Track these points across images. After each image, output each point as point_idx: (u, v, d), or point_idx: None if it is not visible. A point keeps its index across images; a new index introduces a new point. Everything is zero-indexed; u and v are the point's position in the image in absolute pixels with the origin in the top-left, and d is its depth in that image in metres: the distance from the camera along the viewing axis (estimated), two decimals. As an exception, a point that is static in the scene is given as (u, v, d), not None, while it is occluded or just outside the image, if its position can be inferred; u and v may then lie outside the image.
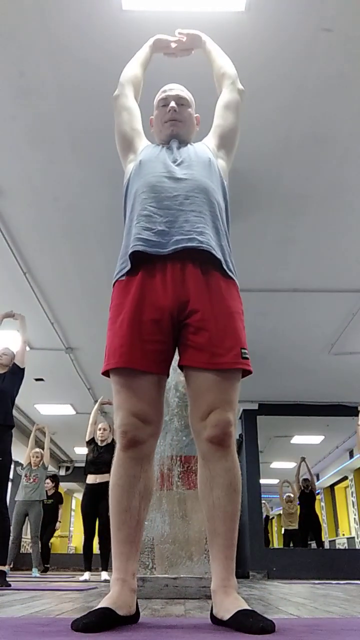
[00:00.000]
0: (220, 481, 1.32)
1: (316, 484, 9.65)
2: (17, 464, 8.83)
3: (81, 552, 5.41)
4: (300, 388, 7.36)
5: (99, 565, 5.21)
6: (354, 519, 11.45)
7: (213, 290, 1.40)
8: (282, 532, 9.28)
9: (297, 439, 9.95)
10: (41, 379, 7.05)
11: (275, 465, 11.73)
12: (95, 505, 5.06)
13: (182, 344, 1.40)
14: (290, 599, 2.49)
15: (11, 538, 5.47)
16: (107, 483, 1.38)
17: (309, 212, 3.93)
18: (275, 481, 9.83)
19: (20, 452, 6.90)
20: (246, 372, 1.40)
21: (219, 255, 1.43)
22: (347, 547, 11.34)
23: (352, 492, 11.70)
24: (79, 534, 12.45)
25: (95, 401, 7.70)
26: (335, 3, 2.46)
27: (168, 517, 3.14)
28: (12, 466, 10.13)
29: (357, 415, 5.84)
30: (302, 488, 8.68)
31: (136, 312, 1.37)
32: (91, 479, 5.24)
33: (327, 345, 6.02)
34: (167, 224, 1.44)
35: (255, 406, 7.91)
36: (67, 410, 8.32)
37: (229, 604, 1.22)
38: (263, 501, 8.71)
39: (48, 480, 7.51)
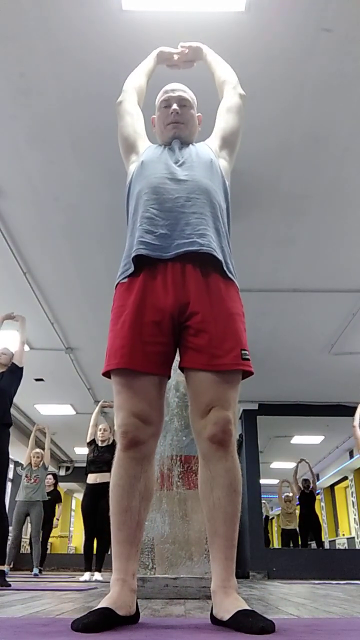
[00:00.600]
0: (220, 481, 1.32)
1: (317, 484, 9.65)
2: (18, 464, 8.84)
3: (81, 552, 5.40)
4: (300, 388, 7.37)
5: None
6: (354, 519, 11.46)
7: (213, 292, 1.40)
8: (280, 531, 9.28)
9: (297, 439, 9.95)
10: (41, 379, 7.05)
11: (275, 465, 11.74)
12: (95, 505, 5.06)
13: (182, 346, 1.41)
14: (290, 599, 2.49)
15: (11, 538, 5.47)
16: (107, 483, 1.38)
17: (309, 212, 3.93)
18: (275, 481, 9.83)
19: (21, 453, 6.90)
20: (247, 373, 1.40)
21: (219, 256, 1.43)
22: (347, 547, 11.34)
23: (352, 492, 11.71)
24: (79, 534, 12.46)
25: (96, 401, 7.71)
26: (336, 3, 2.46)
27: (168, 517, 3.14)
28: (13, 466, 10.15)
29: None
30: (302, 488, 8.69)
31: (137, 313, 1.38)
32: (92, 478, 5.24)
33: (327, 345, 6.02)
34: (168, 227, 1.44)
35: (255, 406, 7.92)
36: (67, 410, 8.32)
37: (229, 604, 1.22)
38: (263, 501, 8.71)
39: (50, 476, 7.51)
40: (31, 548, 6.31)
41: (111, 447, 5.20)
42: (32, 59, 2.75)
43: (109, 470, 1.40)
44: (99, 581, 4.79)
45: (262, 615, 1.17)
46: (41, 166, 3.50)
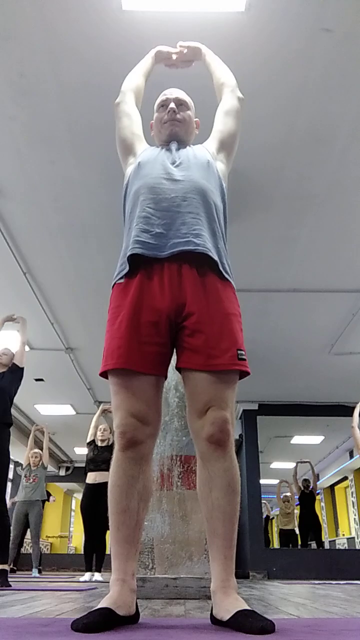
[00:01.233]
0: (219, 482, 1.32)
1: (317, 484, 9.64)
2: (18, 464, 8.83)
3: (81, 552, 5.40)
4: (300, 388, 7.37)
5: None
6: (354, 519, 11.45)
7: (209, 292, 1.40)
8: (278, 531, 9.28)
9: (297, 439, 9.95)
10: (41, 379, 7.05)
11: (275, 465, 11.73)
12: (95, 505, 5.05)
13: (178, 347, 1.41)
14: (290, 599, 2.49)
15: (11, 538, 5.47)
16: (106, 483, 1.38)
17: (310, 212, 3.93)
18: (275, 481, 9.83)
19: (21, 453, 6.91)
20: (244, 373, 1.40)
21: (215, 257, 1.43)
22: (347, 547, 11.34)
23: (352, 492, 11.70)
24: (79, 534, 12.46)
25: (96, 401, 7.72)
26: (335, 3, 2.46)
27: (168, 518, 3.14)
28: (13, 466, 10.15)
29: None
30: (302, 488, 8.68)
31: (134, 314, 1.38)
32: (91, 478, 5.23)
33: (327, 345, 6.02)
34: (164, 227, 1.44)
35: (255, 406, 7.91)
36: (67, 410, 8.31)
37: (228, 605, 1.22)
38: (264, 501, 8.71)
39: None
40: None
41: (110, 447, 5.20)
42: (32, 59, 2.75)
43: (108, 469, 1.40)
44: (99, 581, 4.79)
45: (262, 615, 1.17)
46: (41, 166, 3.50)
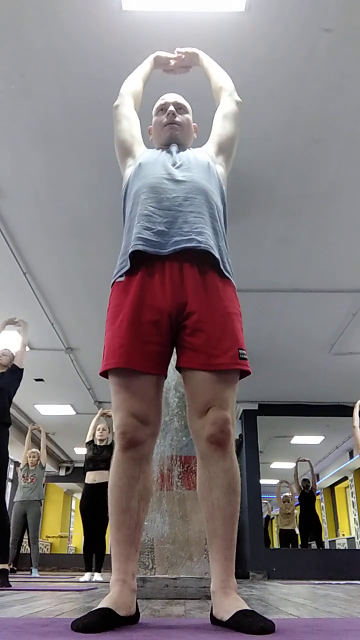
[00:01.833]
0: (219, 482, 1.32)
1: (317, 484, 9.64)
2: (18, 464, 8.83)
3: (81, 552, 5.40)
4: (300, 388, 7.36)
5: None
6: (354, 519, 11.45)
7: (210, 291, 1.40)
8: (278, 532, 9.28)
9: (297, 439, 9.94)
10: (41, 379, 7.05)
11: (275, 465, 11.73)
12: (94, 505, 5.05)
13: (179, 346, 1.41)
14: (290, 600, 2.49)
15: (10, 539, 5.46)
16: (106, 483, 1.38)
17: (309, 212, 3.93)
18: (275, 481, 9.83)
19: (21, 453, 6.90)
20: (244, 373, 1.40)
21: (217, 255, 1.43)
22: (347, 548, 11.33)
23: (352, 493, 11.70)
24: (79, 534, 12.45)
25: (96, 401, 7.72)
26: (336, 3, 2.46)
27: (168, 518, 3.14)
28: (12, 466, 10.13)
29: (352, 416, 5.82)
30: (302, 488, 8.68)
31: (135, 313, 1.37)
32: (90, 478, 5.23)
33: (327, 345, 6.02)
34: (166, 225, 1.44)
35: (255, 406, 7.91)
36: (67, 410, 8.31)
37: (228, 605, 1.22)
38: (265, 501, 8.70)
39: None
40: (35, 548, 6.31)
41: (109, 447, 5.20)
42: (32, 59, 2.75)
43: (106, 469, 1.41)
44: (99, 581, 4.79)
45: (262, 615, 1.17)
46: (41, 166, 3.50)
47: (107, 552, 4.99)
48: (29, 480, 6.31)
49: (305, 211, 3.92)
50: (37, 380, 7.00)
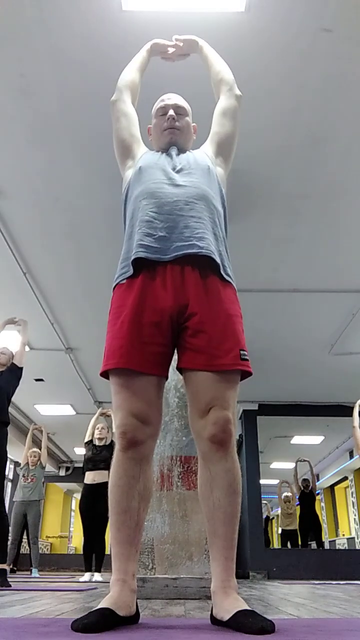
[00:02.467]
0: (220, 482, 1.32)
1: (317, 484, 9.64)
2: (18, 464, 8.83)
3: (81, 552, 5.40)
4: (300, 388, 7.36)
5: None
6: (354, 519, 11.45)
7: (211, 293, 1.40)
8: (279, 532, 9.28)
9: (297, 439, 9.94)
10: (41, 379, 7.05)
11: (276, 465, 11.73)
12: (94, 505, 5.05)
13: (180, 347, 1.41)
14: (290, 600, 2.49)
15: (10, 539, 5.46)
16: (105, 483, 1.38)
17: (309, 212, 3.93)
18: (275, 481, 9.83)
19: (21, 453, 6.90)
20: (246, 374, 1.40)
21: (217, 260, 1.43)
22: (347, 548, 11.33)
23: (352, 493, 11.70)
24: (79, 534, 12.45)
25: (96, 401, 7.72)
26: (336, 3, 2.46)
27: (168, 518, 3.14)
28: (12, 466, 10.13)
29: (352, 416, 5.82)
30: (302, 488, 8.68)
31: (136, 314, 1.38)
32: (89, 478, 5.22)
33: (327, 345, 6.02)
34: (167, 230, 1.44)
35: (255, 406, 7.91)
36: (67, 410, 8.31)
37: (228, 605, 1.22)
38: (264, 501, 8.70)
39: None
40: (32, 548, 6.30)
41: (109, 446, 5.20)
42: (32, 59, 2.75)
43: (105, 469, 1.41)
44: (99, 581, 4.79)
45: (262, 615, 1.17)
46: (41, 166, 3.50)
47: (107, 552, 4.99)
48: (29, 480, 6.30)
49: (306, 211, 3.92)
50: (37, 380, 7.00)
